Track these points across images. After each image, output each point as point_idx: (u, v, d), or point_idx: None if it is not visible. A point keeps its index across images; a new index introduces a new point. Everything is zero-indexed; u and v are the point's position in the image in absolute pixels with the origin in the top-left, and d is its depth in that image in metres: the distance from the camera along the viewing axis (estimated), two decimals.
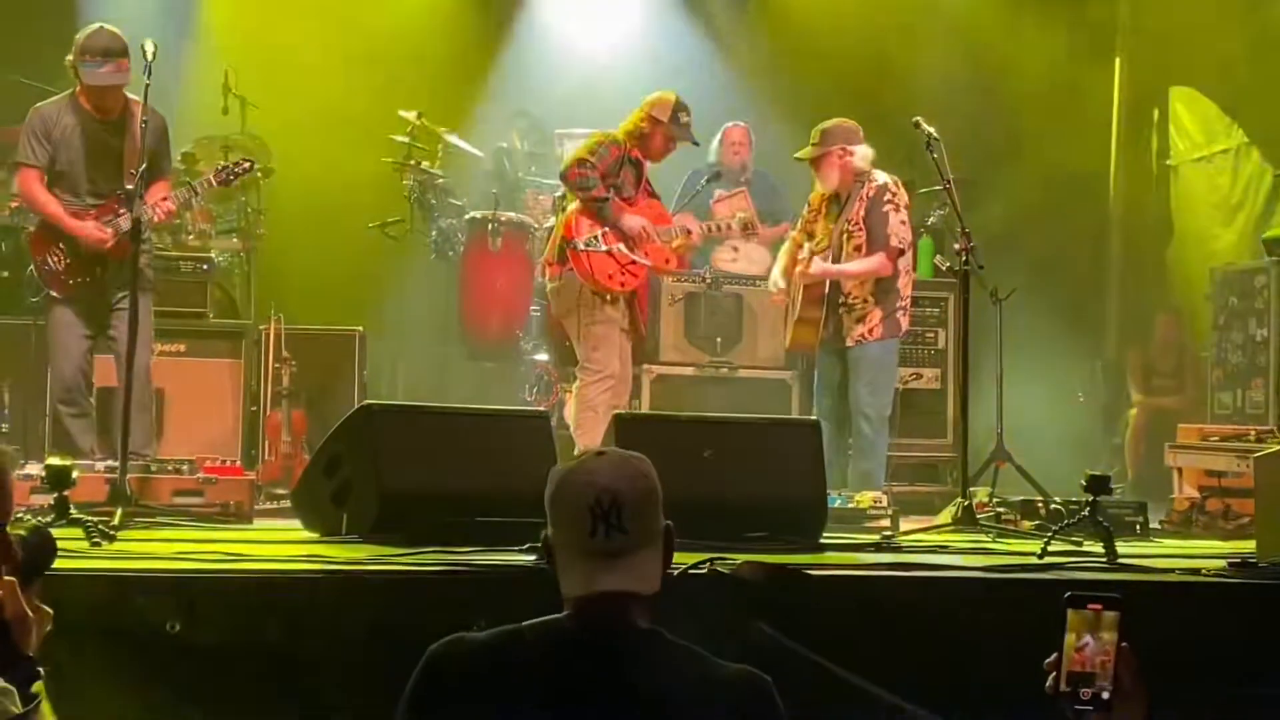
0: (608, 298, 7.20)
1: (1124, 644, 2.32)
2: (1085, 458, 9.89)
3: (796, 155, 7.47)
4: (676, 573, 3.91)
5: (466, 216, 9.18)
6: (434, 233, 9.30)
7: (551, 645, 2.57)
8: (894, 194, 7.23)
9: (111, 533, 4.85)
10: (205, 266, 8.17)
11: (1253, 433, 7.79)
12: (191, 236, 8.66)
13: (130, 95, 6.62)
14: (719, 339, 8.43)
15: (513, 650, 2.57)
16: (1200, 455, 7.65)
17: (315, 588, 4.07)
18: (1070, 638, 2.32)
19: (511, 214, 9.09)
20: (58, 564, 3.24)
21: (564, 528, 2.61)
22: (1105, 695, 2.29)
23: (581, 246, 7.13)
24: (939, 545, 5.63)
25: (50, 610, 2.73)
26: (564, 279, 7.24)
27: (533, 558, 4.41)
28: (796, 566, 4.44)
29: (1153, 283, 10.91)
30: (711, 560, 4.30)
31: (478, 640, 2.61)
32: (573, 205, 7.26)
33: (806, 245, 7.32)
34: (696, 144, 7.69)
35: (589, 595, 2.56)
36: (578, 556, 2.58)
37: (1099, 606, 2.32)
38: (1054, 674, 2.33)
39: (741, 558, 4.38)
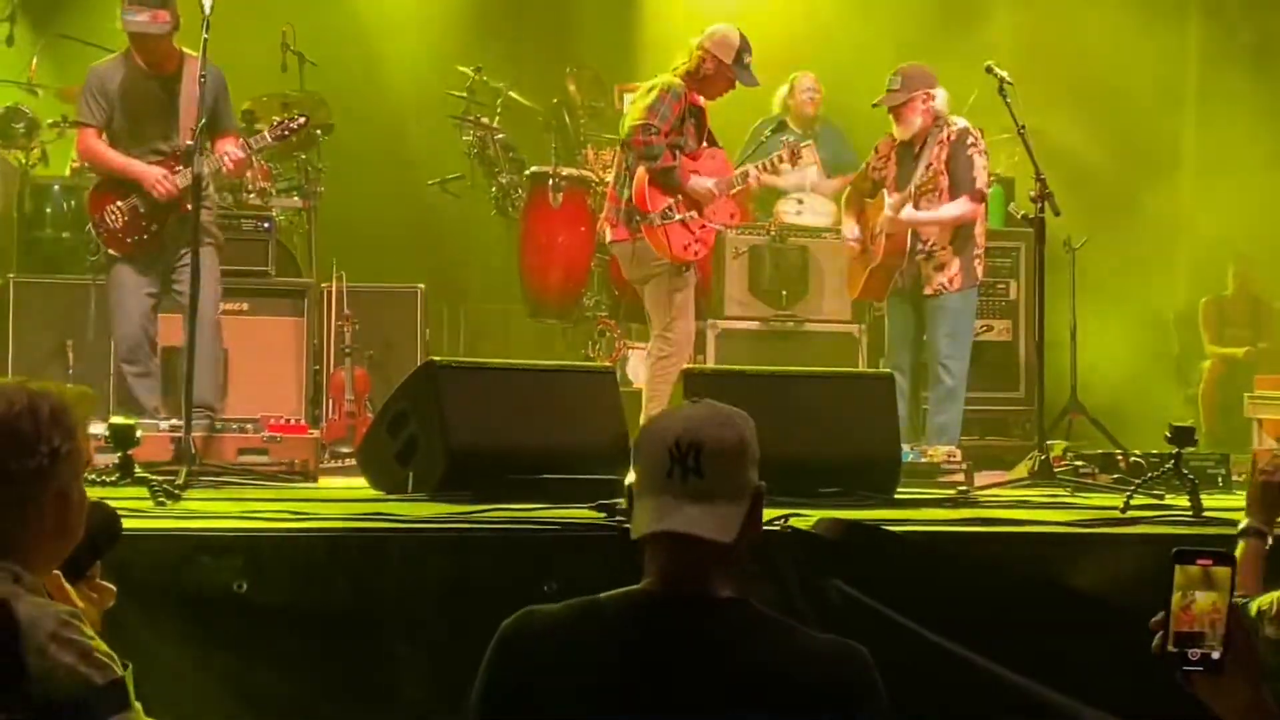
0: (684, 267, 7.04)
1: (1235, 601, 2.21)
2: (1158, 410, 9.73)
3: (877, 102, 7.24)
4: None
5: (527, 172, 9.07)
6: (494, 189, 9.21)
7: (630, 618, 2.45)
8: (976, 138, 7.12)
9: (176, 492, 4.81)
10: (266, 224, 8.11)
11: None
12: (252, 195, 8.59)
13: (187, 51, 6.56)
14: (784, 292, 8.28)
15: (589, 623, 2.47)
16: None
17: (383, 546, 4.00)
18: (1177, 596, 2.21)
19: (572, 169, 8.97)
20: (125, 524, 3.19)
21: (644, 471, 2.49)
22: (1216, 656, 2.18)
23: (658, 222, 6.92)
24: (1016, 500, 5.51)
25: (113, 587, 2.67)
26: (637, 246, 7.03)
27: (603, 514, 4.34)
28: (874, 523, 4.32)
29: (1227, 228, 10.63)
30: (786, 517, 4.21)
31: (551, 613, 2.49)
32: (640, 172, 6.97)
33: (886, 193, 7.17)
34: (758, 85, 7.32)
35: (654, 533, 2.43)
36: (650, 496, 2.46)
37: (1209, 562, 2.20)
38: (1160, 633, 2.22)
39: (817, 514, 4.27)
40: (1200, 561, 2.21)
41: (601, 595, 2.50)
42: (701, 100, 7.09)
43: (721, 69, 7.00)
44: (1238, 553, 3.64)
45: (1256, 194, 10.20)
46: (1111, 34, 10.38)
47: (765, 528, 4.04)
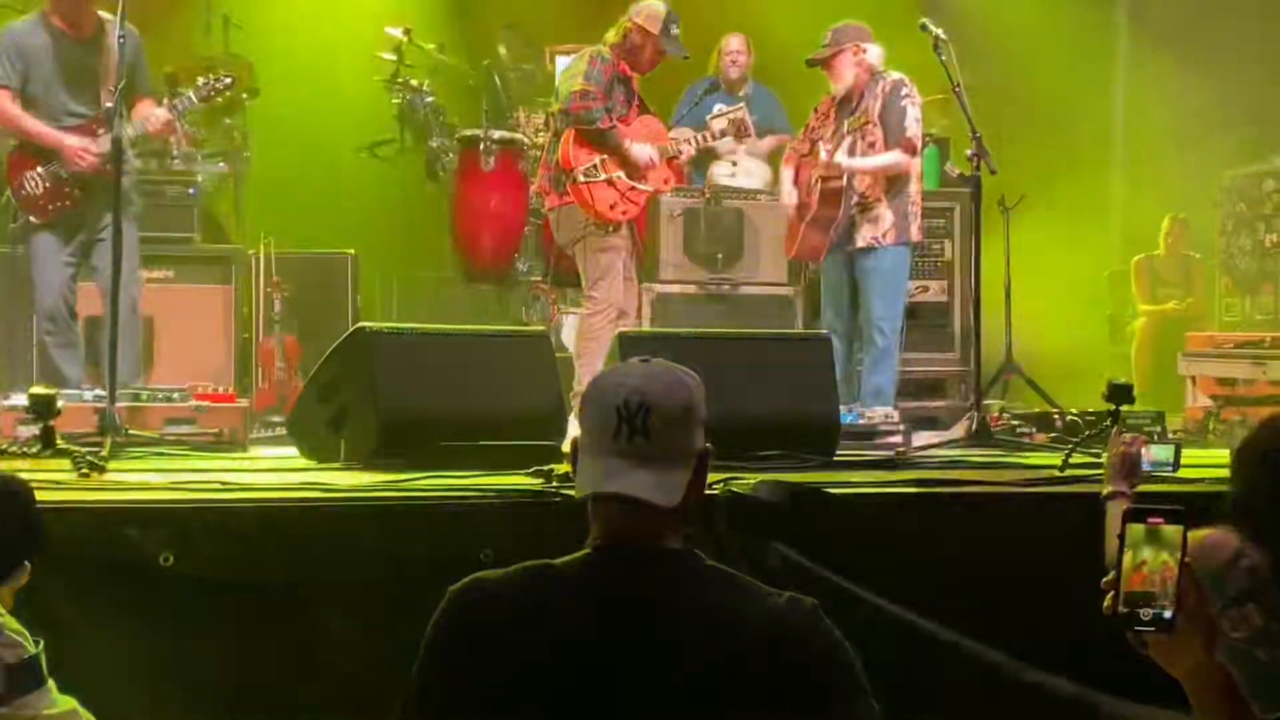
0: (610, 227, 7.02)
1: (1187, 560, 2.17)
2: (1091, 368, 9.77)
3: (808, 58, 7.26)
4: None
5: (457, 136, 8.94)
6: (425, 153, 9.08)
7: (580, 577, 2.41)
8: (910, 90, 7.11)
9: (101, 463, 4.68)
10: (191, 190, 7.97)
11: (1267, 339, 7.66)
12: (177, 161, 8.42)
13: (104, 14, 6.39)
14: (719, 255, 8.21)
15: (539, 585, 2.42)
16: (1214, 363, 7.52)
17: (315, 516, 3.91)
18: (1129, 554, 2.17)
19: (503, 132, 8.85)
20: (46, 496, 3.10)
21: (590, 429, 2.45)
22: (1167, 615, 2.15)
23: (581, 179, 6.94)
24: (954, 460, 5.49)
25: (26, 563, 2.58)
26: (564, 208, 7.08)
27: (541, 481, 4.27)
28: (814, 485, 4.28)
29: (1157, 190, 10.69)
30: (726, 481, 4.15)
31: (500, 578, 2.44)
32: (566, 132, 7.00)
33: (820, 145, 7.13)
34: (686, 57, 7.40)
35: (598, 494, 2.40)
36: (596, 455, 2.41)
37: (1160, 520, 2.17)
38: (1111, 593, 2.18)
39: (756, 478, 4.22)
40: (1151, 520, 2.17)
41: (554, 561, 2.45)
42: (629, 70, 7.13)
43: (649, 40, 7.08)
44: (1109, 514, 3.81)
45: (1189, 154, 10.26)
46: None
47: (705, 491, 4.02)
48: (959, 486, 4.56)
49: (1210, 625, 2.22)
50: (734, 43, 9.26)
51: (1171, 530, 2.16)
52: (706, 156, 9.02)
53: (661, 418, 2.41)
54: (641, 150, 7.03)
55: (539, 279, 8.68)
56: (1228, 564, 3.22)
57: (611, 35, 7.12)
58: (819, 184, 7.13)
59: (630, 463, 2.38)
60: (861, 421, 6.15)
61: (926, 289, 8.14)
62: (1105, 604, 2.19)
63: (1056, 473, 4.85)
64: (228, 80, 6.75)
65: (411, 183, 9.26)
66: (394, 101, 9.12)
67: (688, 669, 2.33)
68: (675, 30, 7.12)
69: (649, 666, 2.33)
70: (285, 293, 7.89)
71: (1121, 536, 2.18)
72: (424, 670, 2.41)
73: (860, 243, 7.10)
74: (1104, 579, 2.20)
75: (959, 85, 6.43)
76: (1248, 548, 3.22)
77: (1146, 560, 2.17)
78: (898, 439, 6.14)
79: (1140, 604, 2.16)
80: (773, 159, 8.88)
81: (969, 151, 6.48)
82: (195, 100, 6.71)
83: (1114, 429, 4.58)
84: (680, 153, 7.33)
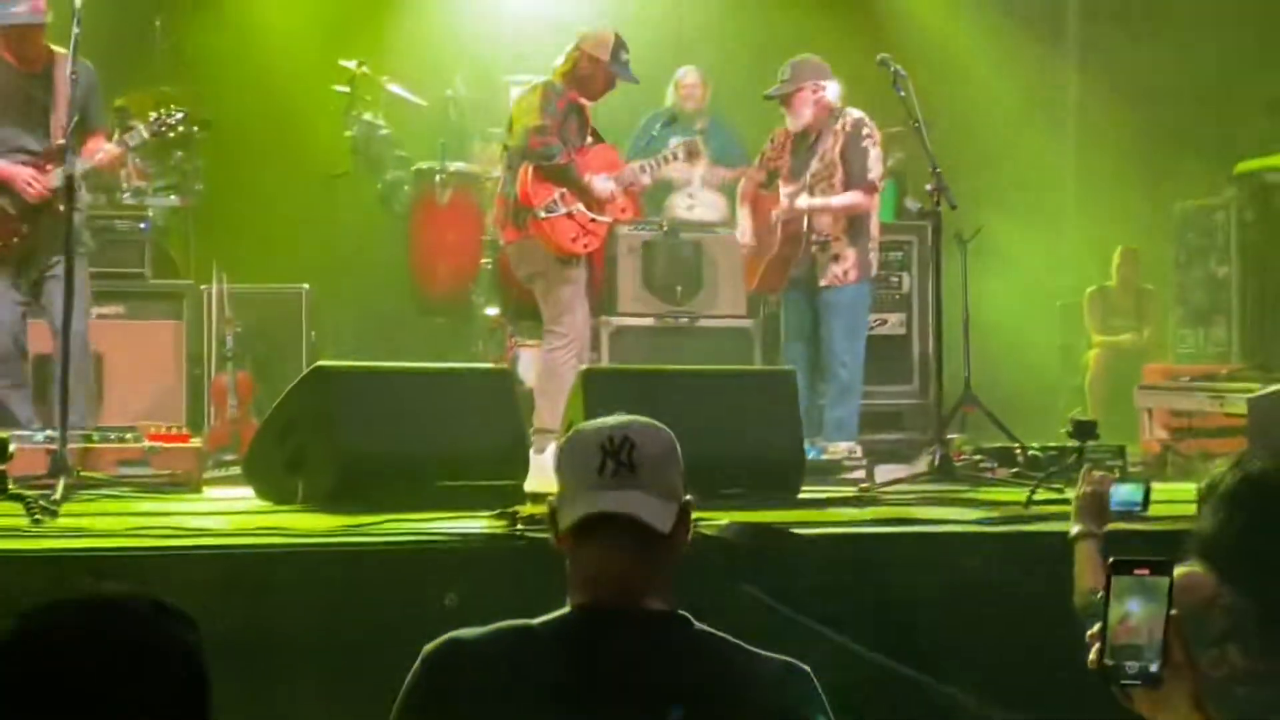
0: (572, 260, 6.97)
1: (1174, 612, 2.15)
2: (1045, 400, 9.80)
3: (767, 93, 7.26)
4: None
5: (413, 168, 8.89)
6: (379, 185, 9.02)
7: (561, 639, 2.35)
8: (871, 129, 7.15)
9: (54, 508, 4.57)
10: (142, 225, 7.89)
11: (1224, 371, 7.70)
12: (127, 195, 8.34)
13: (56, 48, 6.30)
14: (678, 288, 8.19)
15: (518, 646, 2.36)
16: (1171, 395, 7.55)
17: (274, 562, 3.84)
18: (1114, 607, 2.13)
19: (460, 164, 8.83)
20: None
21: (572, 472, 2.41)
22: (1154, 669, 2.11)
23: (543, 215, 6.85)
24: (920, 496, 5.47)
25: None
26: (524, 242, 6.99)
27: (505, 522, 4.21)
28: (781, 525, 4.24)
29: (1110, 221, 10.76)
30: (694, 521, 4.10)
31: (478, 638, 2.39)
32: (524, 168, 6.91)
33: (781, 183, 7.13)
34: (636, 82, 7.33)
35: (588, 517, 2.34)
36: (583, 493, 2.37)
37: (1146, 571, 2.13)
38: (1097, 646, 2.15)
39: (724, 517, 4.18)
40: (1137, 571, 2.14)
41: (533, 620, 2.40)
42: (582, 99, 7.08)
43: (599, 67, 7.02)
44: (1078, 555, 3.80)
45: (1141, 186, 10.33)
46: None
47: None
48: (924, 525, 4.54)
49: (1198, 679, 2.19)
50: (690, 75, 9.28)
51: (1159, 582, 2.13)
52: (664, 189, 9.03)
53: (646, 453, 2.39)
54: (603, 184, 6.99)
55: (496, 312, 8.63)
56: (1205, 604, 3.20)
57: (561, 64, 7.06)
58: (779, 225, 7.14)
59: (619, 491, 2.35)
60: (825, 457, 6.12)
61: (885, 321, 8.13)
62: (1091, 657, 2.15)
63: (1021, 509, 4.83)
64: (179, 115, 6.66)
65: (367, 216, 9.20)
66: (348, 134, 9.05)
67: None
68: (625, 56, 7.08)
69: None
70: (238, 328, 7.80)
71: (1107, 589, 2.14)
72: None
73: (823, 281, 7.12)
74: (1089, 631, 2.17)
75: (918, 121, 6.44)
76: (1224, 588, 3.21)
77: (1132, 612, 2.14)
78: (861, 474, 6.11)
79: (1126, 657, 2.12)
80: (730, 191, 8.88)
81: (929, 186, 6.48)
82: (146, 135, 6.62)
83: (1083, 467, 4.57)
84: (636, 181, 7.25)
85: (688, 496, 2.48)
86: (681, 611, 2.40)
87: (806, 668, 2.37)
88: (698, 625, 2.39)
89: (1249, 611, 3.17)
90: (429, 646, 2.37)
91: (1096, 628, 2.16)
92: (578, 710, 2.29)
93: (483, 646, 2.36)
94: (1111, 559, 2.19)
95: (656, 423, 2.47)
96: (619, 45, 7.04)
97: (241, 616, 3.72)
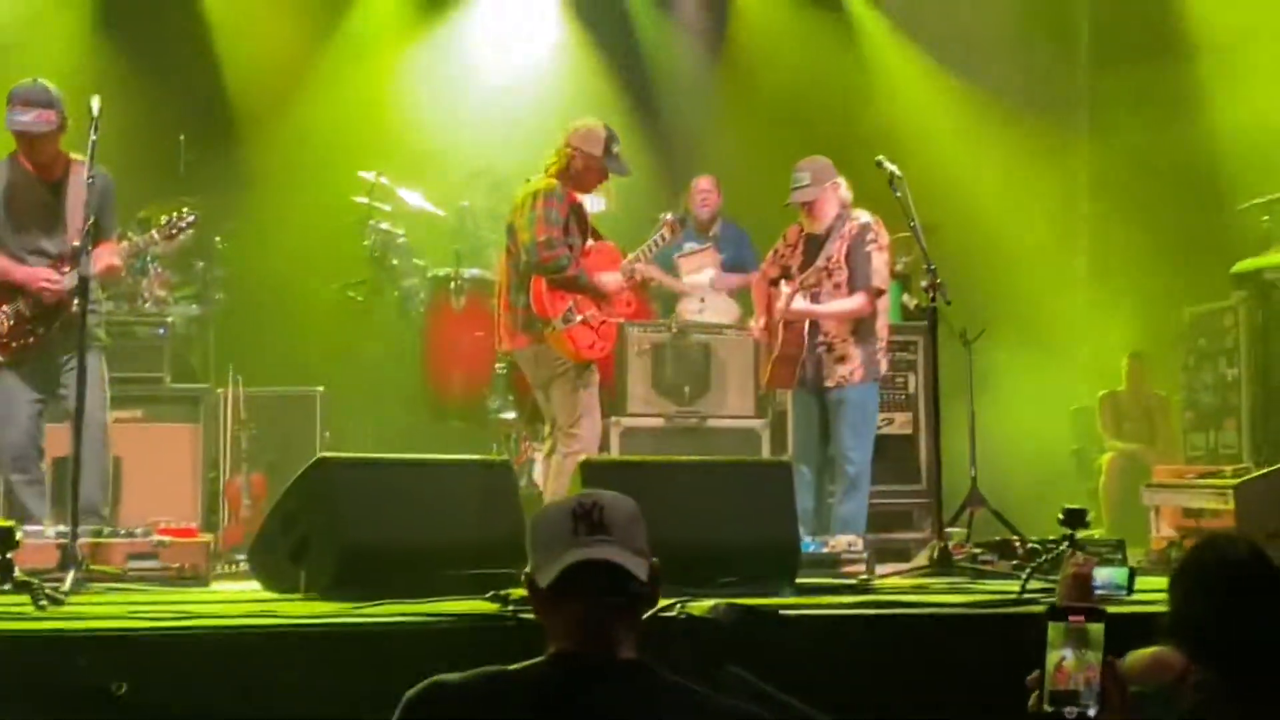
0: (588, 365, 6.96)
1: (1110, 658, 2.21)
2: (1060, 503, 9.79)
3: (789, 202, 7.23)
4: (647, 615, 3.79)
5: (429, 275, 9.06)
6: (396, 293, 9.19)
7: (536, 683, 2.48)
8: (876, 233, 7.16)
9: (61, 597, 4.67)
10: (161, 330, 8.04)
11: (1229, 470, 7.70)
12: (149, 304, 8.52)
13: (75, 155, 6.49)
14: (687, 388, 8.29)
15: (496, 690, 2.49)
16: (1177, 494, 7.55)
17: (269, 644, 3.91)
18: (1052, 654, 2.21)
19: (475, 270, 8.98)
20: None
21: (544, 543, 2.55)
22: (1091, 714, 2.18)
23: (561, 326, 6.79)
24: (916, 587, 5.50)
25: None
26: (539, 350, 6.92)
27: (498, 605, 4.28)
28: (771, 608, 4.30)
29: (1122, 326, 10.84)
30: (683, 603, 4.17)
31: (456, 683, 2.52)
32: (536, 281, 6.81)
33: (784, 282, 7.22)
34: (629, 174, 7.27)
35: (569, 567, 2.47)
36: (559, 550, 2.51)
37: (1081, 619, 2.21)
38: (1036, 692, 2.22)
39: (712, 601, 4.24)
40: (1073, 619, 2.21)
41: (509, 667, 2.53)
42: (578, 197, 7.02)
43: (591, 162, 6.95)
44: None
45: (1147, 293, 10.43)
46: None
47: (661, 614, 4.05)
48: (912, 608, 4.58)
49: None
50: (704, 183, 9.47)
51: (1094, 629, 2.21)
52: (675, 294, 9.17)
53: (614, 516, 2.53)
54: (612, 280, 6.97)
55: (509, 416, 8.72)
56: (1176, 682, 3.24)
57: (553, 163, 6.96)
58: (782, 324, 7.20)
59: (594, 545, 2.49)
60: (825, 550, 6.16)
61: (891, 421, 8.19)
62: (1030, 703, 2.22)
63: (1015, 596, 4.87)
64: (192, 218, 6.77)
65: (383, 322, 9.35)
66: (365, 243, 9.24)
67: None
68: (616, 149, 7.01)
69: None
70: (253, 430, 7.92)
71: (1043, 636, 2.22)
72: None
73: (829, 381, 7.14)
74: (1029, 676, 2.24)
75: (914, 221, 6.54)
76: (1194, 666, 3.25)
77: (1069, 659, 2.21)
78: (860, 567, 6.15)
79: (1065, 702, 2.20)
80: (740, 297, 9.00)
81: (924, 283, 6.57)
82: (159, 238, 6.75)
83: (1068, 552, 4.62)
84: (635, 271, 7.14)
85: (653, 559, 2.59)
86: (646, 660, 2.50)
87: (765, 715, 2.46)
88: (663, 673, 2.49)
89: (1218, 688, 3.21)
90: (411, 691, 2.49)
91: (1035, 674, 2.23)
92: None
93: (462, 689, 2.48)
94: (1049, 607, 2.27)
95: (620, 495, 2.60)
96: (610, 138, 6.99)
97: (233, 697, 3.79)
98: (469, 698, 2.47)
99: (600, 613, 2.50)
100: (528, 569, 2.61)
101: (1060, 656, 2.20)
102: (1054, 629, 2.20)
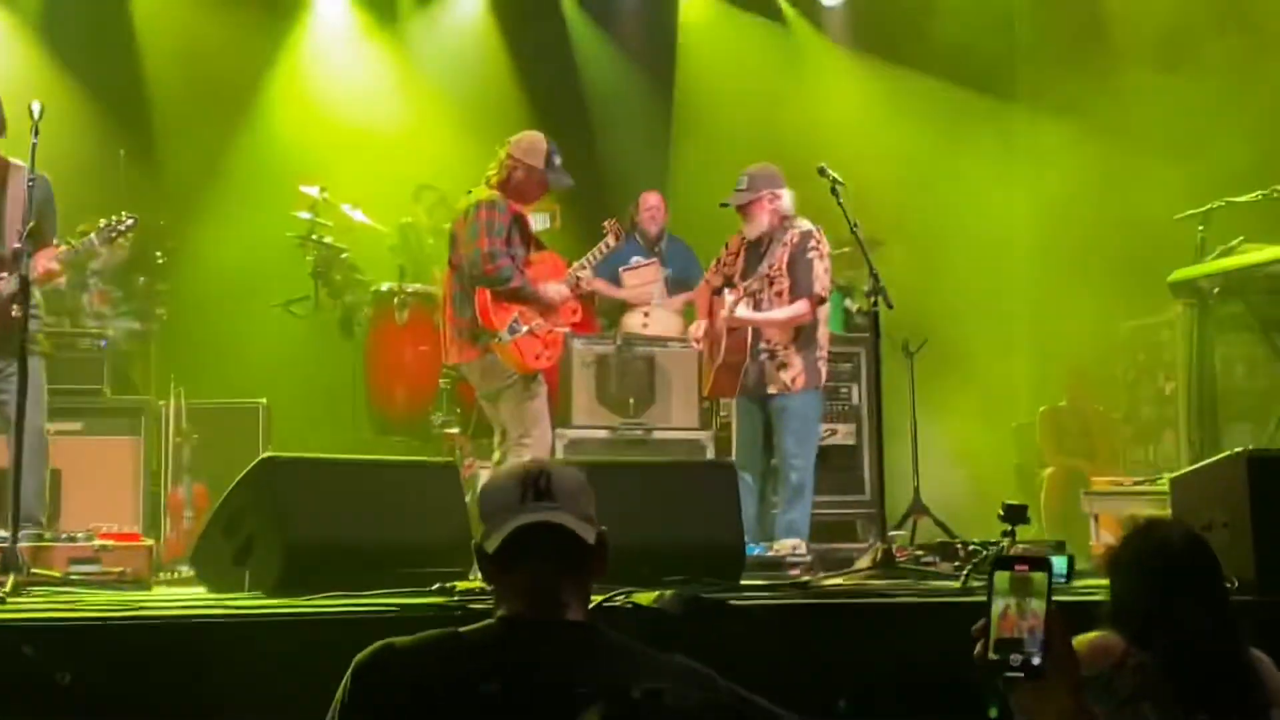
0: (536, 375, 6.96)
1: (1053, 607, 2.24)
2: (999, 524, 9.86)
3: (724, 202, 7.31)
4: (591, 605, 3.80)
5: (373, 289, 9.05)
6: (339, 308, 9.16)
7: (483, 645, 2.51)
8: (818, 241, 7.24)
9: (2, 596, 4.62)
10: (102, 343, 7.97)
11: (1166, 478, 7.78)
12: (90, 319, 8.45)
13: (13, 160, 6.43)
14: (631, 400, 8.32)
15: (444, 653, 2.51)
16: (1116, 501, 7.65)
17: (215, 632, 3.89)
18: (997, 602, 2.23)
19: (418, 285, 8.97)
20: None
21: (493, 506, 2.58)
22: (1036, 661, 2.20)
23: (508, 338, 6.79)
24: (859, 586, 5.54)
25: None
26: (485, 361, 6.90)
27: (445, 597, 4.28)
28: (718, 598, 4.32)
29: (1060, 341, 10.95)
30: (628, 593, 4.18)
31: (406, 645, 2.54)
32: (480, 293, 6.81)
33: (727, 290, 7.26)
34: (572, 186, 7.29)
35: (518, 529, 2.50)
36: (508, 517, 2.54)
37: (1025, 567, 2.23)
38: (980, 641, 2.24)
39: (659, 591, 4.25)
40: (1018, 567, 2.24)
41: (461, 629, 2.55)
42: (518, 207, 6.99)
43: (533, 174, 6.94)
44: None
45: (1089, 308, 10.54)
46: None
47: (607, 605, 4.06)
48: (859, 598, 4.61)
49: (1077, 671, 2.28)
50: (651, 199, 9.55)
51: (1038, 577, 2.23)
52: (620, 307, 9.21)
53: (562, 484, 2.57)
54: (557, 290, 6.97)
55: (454, 431, 8.71)
56: (1116, 666, 3.29)
57: (493, 174, 6.95)
58: (725, 331, 7.25)
59: (542, 511, 2.52)
60: (770, 554, 6.19)
61: (835, 432, 8.25)
62: (975, 651, 2.24)
63: (958, 588, 4.91)
64: (130, 221, 6.66)
65: (326, 338, 9.32)
66: (308, 258, 9.20)
67: None
68: (558, 160, 7.00)
69: None
70: (195, 442, 7.87)
71: (989, 584, 2.24)
72: None
73: (771, 389, 7.20)
74: (974, 625, 2.26)
75: (856, 225, 6.60)
76: (1132, 649, 3.30)
77: (1014, 607, 2.23)
78: (804, 569, 6.18)
79: (1009, 650, 2.21)
80: (686, 312, 9.05)
81: (866, 288, 6.63)
82: (97, 242, 6.65)
83: (1008, 543, 4.67)
84: (580, 279, 7.16)
85: (602, 527, 2.63)
86: (591, 621, 2.52)
87: (709, 670, 2.47)
88: (611, 633, 2.51)
89: (1156, 668, 3.26)
90: (360, 655, 2.49)
91: (981, 622, 2.25)
92: (500, 710, 2.38)
93: (410, 651, 2.49)
94: (995, 557, 2.29)
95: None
96: (551, 150, 6.98)
97: (177, 685, 3.77)
98: (419, 659, 2.48)
99: (547, 577, 2.53)
100: (475, 539, 2.64)
101: (1005, 605, 2.21)
102: (999, 578, 2.22)
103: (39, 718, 3.65)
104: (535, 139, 7.03)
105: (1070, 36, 10.98)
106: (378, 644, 2.52)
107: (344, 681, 2.50)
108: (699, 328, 7.47)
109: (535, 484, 2.55)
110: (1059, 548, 6.31)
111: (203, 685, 3.79)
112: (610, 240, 7.36)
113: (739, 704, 2.52)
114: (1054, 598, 2.24)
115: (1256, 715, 3.14)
